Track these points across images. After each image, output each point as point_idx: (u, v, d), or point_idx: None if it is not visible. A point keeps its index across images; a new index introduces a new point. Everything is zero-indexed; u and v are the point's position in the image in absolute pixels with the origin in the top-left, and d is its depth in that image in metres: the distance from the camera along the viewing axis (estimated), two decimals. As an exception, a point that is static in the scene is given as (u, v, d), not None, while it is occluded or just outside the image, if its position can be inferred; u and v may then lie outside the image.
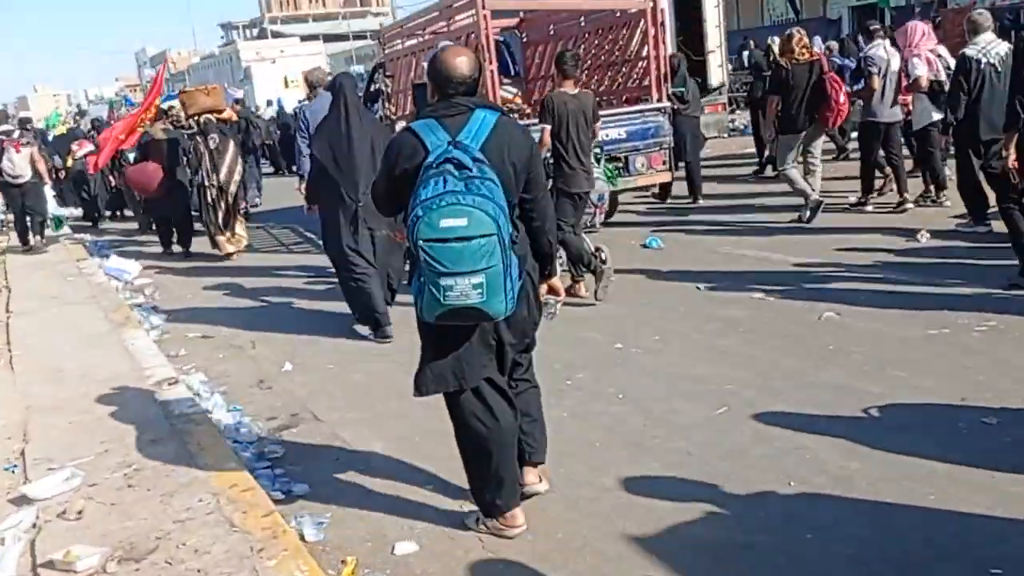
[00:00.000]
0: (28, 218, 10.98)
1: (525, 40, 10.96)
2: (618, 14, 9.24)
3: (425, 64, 6.36)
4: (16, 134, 10.97)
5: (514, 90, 9.95)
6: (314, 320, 6.59)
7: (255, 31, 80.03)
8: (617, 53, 9.42)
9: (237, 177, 9.64)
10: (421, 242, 2.66)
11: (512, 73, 10.56)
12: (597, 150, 7.17)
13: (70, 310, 7.31)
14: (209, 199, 9.47)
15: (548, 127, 6.01)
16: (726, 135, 14.47)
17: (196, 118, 9.53)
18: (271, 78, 32.42)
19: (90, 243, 11.92)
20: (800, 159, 8.32)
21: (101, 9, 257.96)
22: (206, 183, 9.43)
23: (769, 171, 10.55)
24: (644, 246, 7.97)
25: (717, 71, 12.86)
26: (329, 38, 48.93)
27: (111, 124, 13.57)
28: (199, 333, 6.53)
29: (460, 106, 2.89)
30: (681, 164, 9.67)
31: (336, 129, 5.68)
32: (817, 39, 12.22)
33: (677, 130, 9.12)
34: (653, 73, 8.77)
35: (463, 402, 3.01)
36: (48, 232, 11.46)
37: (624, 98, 9.33)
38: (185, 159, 9.91)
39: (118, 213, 14.77)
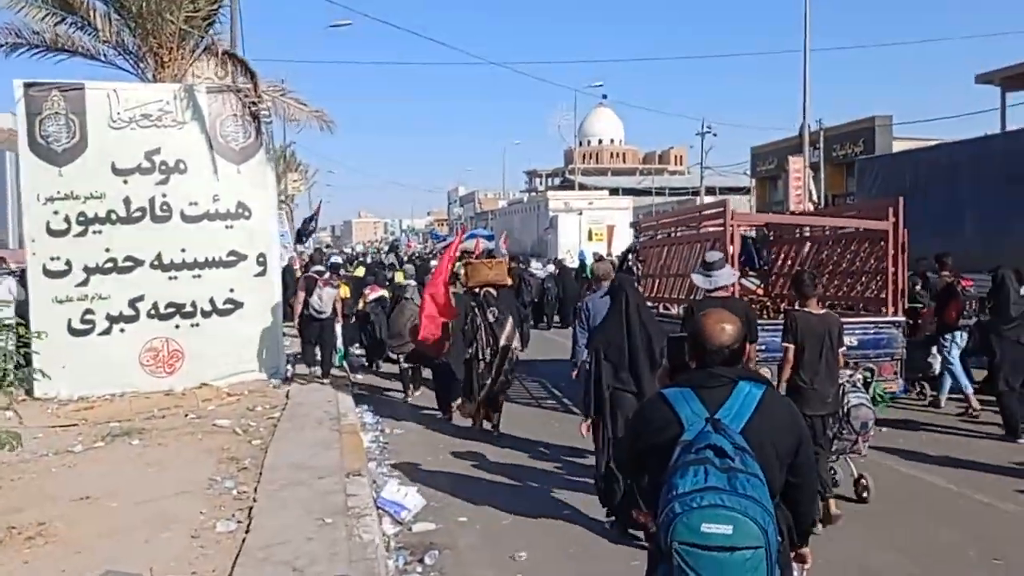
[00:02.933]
0: (319, 349, 12.12)
1: (772, 238, 11.99)
2: (856, 230, 10.10)
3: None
4: (327, 275, 12.59)
5: (757, 281, 11.03)
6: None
7: (557, 180, 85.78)
8: (857, 264, 10.19)
9: (511, 356, 9.31)
10: (677, 544, 2.41)
11: (757, 266, 11.60)
12: (868, 373, 7.38)
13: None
14: (479, 371, 9.24)
15: (792, 347, 6.04)
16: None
17: (477, 290, 9.64)
18: (575, 228, 32.78)
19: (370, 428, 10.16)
20: None
21: (422, 148, 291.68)
22: (479, 356, 9.26)
23: None
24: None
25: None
26: (628, 191, 51.07)
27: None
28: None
29: (721, 378, 2.70)
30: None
31: (618, 328, 6.01)
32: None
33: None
34: (890, 287, 9.35)
35: None
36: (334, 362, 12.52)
37: (862, 307, 10.00)
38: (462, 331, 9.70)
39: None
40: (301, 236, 28.88)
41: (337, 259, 16.24)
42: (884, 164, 15.69)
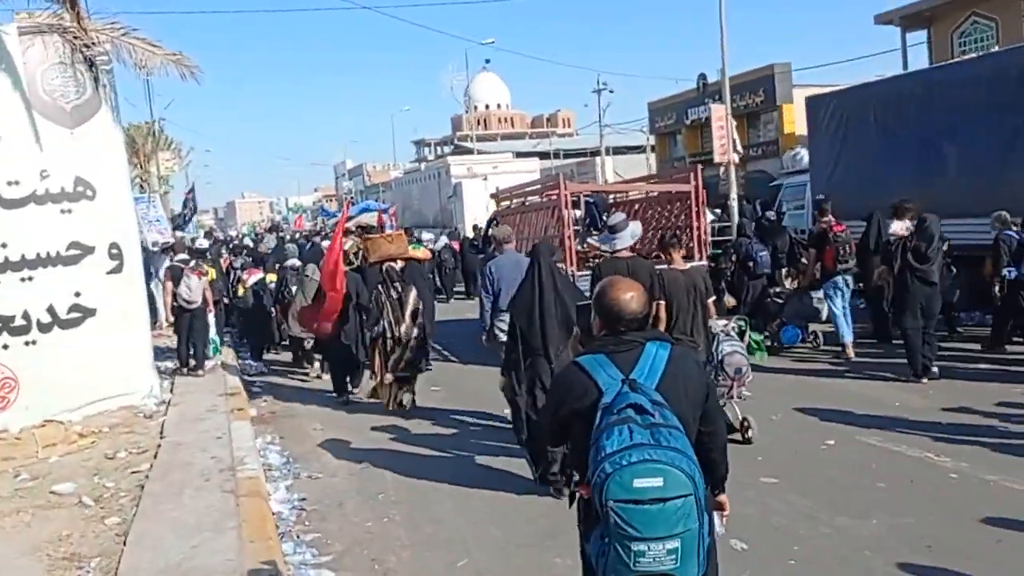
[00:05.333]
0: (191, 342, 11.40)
1: (611, 201, 13.86)
2: (671, 193, 12.40)
3: (498, 231, 8.60)
4: (192, 263, 11.67)
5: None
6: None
7: (447, 148, 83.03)
8: (672, 220, 12.27)
9: (416, 332, 9.03)
10: (612, 503, 2.45)
11: (599, 226, 12.40)
12: (743, 323, 7.61)
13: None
14: (387, 350, 8.96)
15: (663, 302, 6.33)
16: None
17: (380, 265, 9.34)
18: (481, 195, 30.29)
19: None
20: None
21: (306, 123, 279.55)
22: (387, 335, 8.95)
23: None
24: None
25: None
26: (523, 156, 48.88)
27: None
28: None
29: (631, 342, 2.77)
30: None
31: (531, 294, 6.08)
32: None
33: None
34: (695, 238, 11.52)
35: None
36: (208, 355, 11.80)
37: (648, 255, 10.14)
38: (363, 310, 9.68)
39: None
40: (178, 222, 26.32)
41: (203, 243, 15.58)
42: (841, 100, 13.86)
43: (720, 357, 6.73)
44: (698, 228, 11.31)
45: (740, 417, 6.90)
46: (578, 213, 13.11)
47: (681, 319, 6.38)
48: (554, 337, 5.95)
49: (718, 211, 24.47)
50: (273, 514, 5.89)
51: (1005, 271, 9.46)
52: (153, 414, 9.00)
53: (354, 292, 9.69)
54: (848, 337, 10.17)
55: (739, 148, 23.63)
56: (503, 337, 7.09)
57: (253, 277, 13.57)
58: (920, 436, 6.83)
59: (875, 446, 6.71)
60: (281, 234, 25.28)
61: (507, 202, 14.97)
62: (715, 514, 2.93)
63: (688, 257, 9.71)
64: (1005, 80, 11.04)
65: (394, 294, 9.03)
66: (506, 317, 7.09)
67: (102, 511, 5.93)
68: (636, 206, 12.98)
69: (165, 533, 5.32)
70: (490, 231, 13.43)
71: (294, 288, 11.87)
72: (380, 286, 9.20)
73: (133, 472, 6.84)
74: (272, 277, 13.67)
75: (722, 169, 27.85)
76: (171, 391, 10.10)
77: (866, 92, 13.71)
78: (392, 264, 9.33)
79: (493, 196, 16.80)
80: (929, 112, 12.14)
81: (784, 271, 12.16)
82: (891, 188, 12.14)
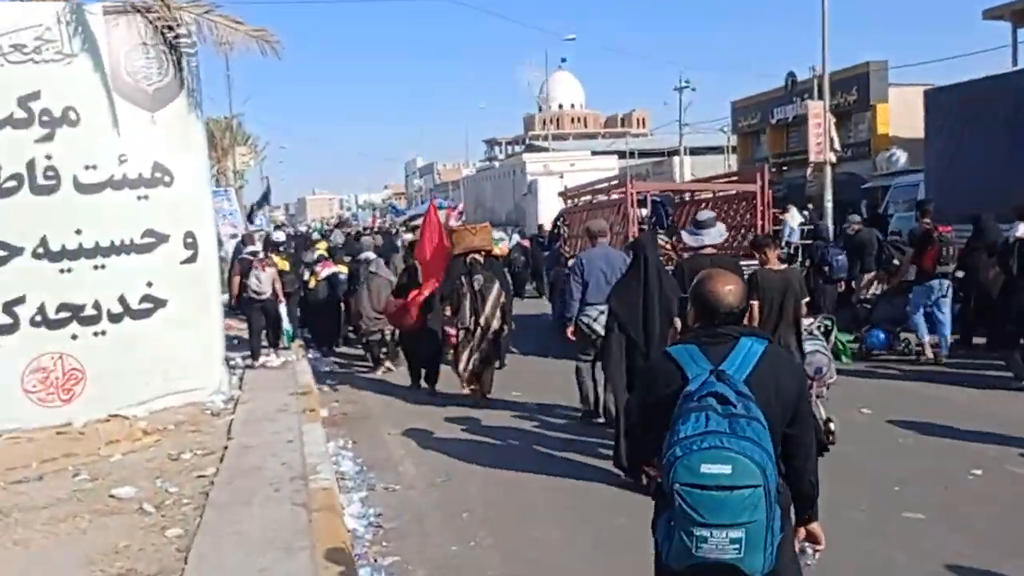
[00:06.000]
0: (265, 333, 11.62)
1: (676, 200, 14.08)
2: (737, 192, 12.38)
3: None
4: (261, 255, 12.00)
5: (666, 237, 11.85)
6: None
7: (519, 148, 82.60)
8: (738, 218, 12.01)
9: (496, 324, 9.01)
10: (678, 485, 2.43)
11: (666, 225, 13.16)
12: (828, 323, 7.81)
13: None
14: (465, 340, 8.97)
15: (756, 303, 6.15)
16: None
17: (463, 257, 9.26)
18: (556, 193, 30.12)
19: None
20: None
21: (378, 120, 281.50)
22: (466, 325, 8.96)
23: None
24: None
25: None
26: (598, 155, 48.16)
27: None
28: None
29: (725, 335, 2.72)
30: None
31: (636, 287, 6.05)
32: None
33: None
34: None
35: None
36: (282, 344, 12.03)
37: (740, 254, 10.24)
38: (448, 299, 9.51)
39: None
40: (251, 214, 26.70)
41: (279, 236, 15.77)
42: (964, 94, 12.72)
43: (803, 355, 6.61)
44: (762, 228, 11.23)
45: (824, 417, 6.71)
46: (644, 212, 13.19)
47: (773, 319, 6.29)
48: (656, 331, 5.90)
49: (806, 213, 23.38)
50: (351, 531, 5.31)
51: None
52: (221, 412, 8.55)
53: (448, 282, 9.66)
54: (926, 338, 9.89)
55: (836, 147, 22.39)
56: (597, 327, 7.17)
57: (327, 270, 13.35)
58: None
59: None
60: (348, 230, 25.17)
61: (574, 200, 15.13)
62: (808, 548, 2.88)
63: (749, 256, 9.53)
64: None
65: (476, 286, 8.94)
66: (591, 311, 7.36)
67: (163, 520, 5.43)
68: (703, 205, 12.69)
69: (230, 551, 4.78)
70: (558, 229, 14.41)
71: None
72: (463, 277, 9.07)
73: (198, 476, 6.35)
74: (342, 269, 13.46)
75: (809, 170, 26.66)
76: (240, 388, 9.70)
77: (993, 86, 12.58)
78: (476, 256, 9.22)
79: (561, 194, 17.00)
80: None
81: (870, 275, 11.94)
82: (1018, 190, 11.11)
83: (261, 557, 4.64)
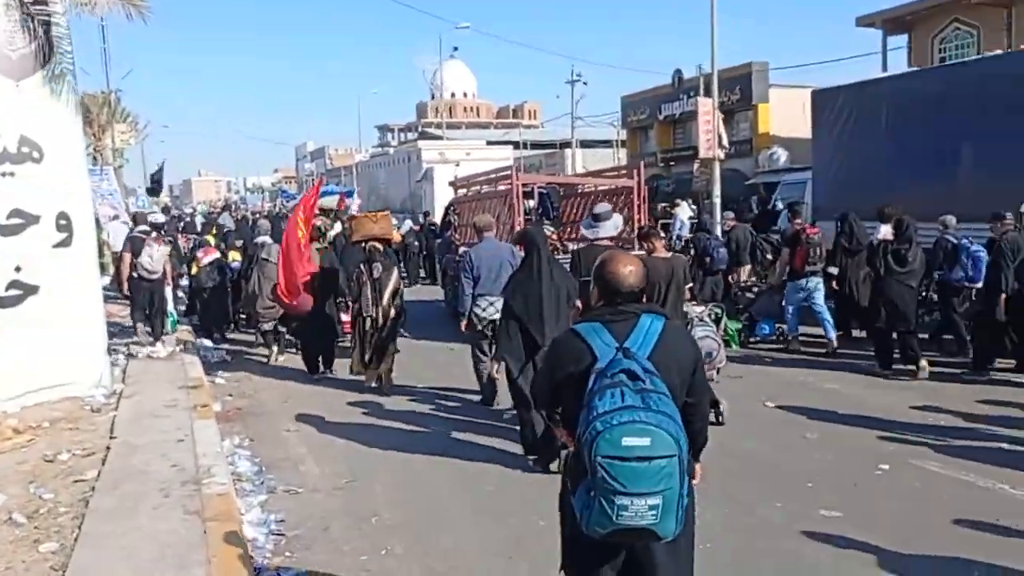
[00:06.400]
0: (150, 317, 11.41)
1: (562, 193, 14.52)
2: (616, 187, 12.92)
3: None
4: (153, 235, 11.71)
5: (552, 228, 12.45)
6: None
7: (412, 135, 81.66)
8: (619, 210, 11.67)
9: (394, 312, 9.11)
10: (600, 458, 2.58)
11: (551, 216, 13.77)
12: (718, 310, 8.46)
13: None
14: (365, 329, 8.99)
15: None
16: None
17: (362, 245, 9.39)
18: (447, 183, 30.19)
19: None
20: None
21: (266, 103, 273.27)
22: (364, 314, 8.98)
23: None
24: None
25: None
26: (493, 145, 48.00)
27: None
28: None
29: (627, 312, 2.88)
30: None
31: (530, 279, 6.19)
32: None
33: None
34: (636, 227, 11.22)
35: None
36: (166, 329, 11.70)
37: (624, 245, 10.59)
38: (346, 287, 9.74)
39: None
40: (154, 188, 27.85)
41: (159, 218, 16.09)
42: (851, 95, 13.14)
43: None
44: (639, 221, 11.91)
45: (714, 399, 7.18)
46: (531, 203, 13.78)
47: (659, 304, 6.53)
48: (551, 320, 6.04)
49: (695, 207, 23.94)
50: (250, 541, 4.93)
51: (936, 273, 9.85)
52: (102, 408, 7.91)
53: (331, 275, 9.88)
54: (796, 332, 10.62)
55: (724, 143, 22.92)
56: (489, 317, 7.56)
57: (209, 256, 12.87)
58: (977, 462, 6.10)
59: (938, 473, 5.94)
60: (236, 214, 24.31)
61: (465, 190, 15.62)
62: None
63: (632, 248, 9.90)
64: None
65: (375, 274, 8.97)
66: (482, 303, 7.66)
67: (36, 532, 4.89)
68: (593, 198, 13.05)
69: (114, 567, 4.32)
70: (450, 216, 14.99)
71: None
72: (362, 265, 9.11)
73: (77, 481, 5.78)
74: (235, 255, 13.09)
75: (696, 166, 27.27)
76: (123, 381, 9.01)
77: (879, 87, 13.03)
78: (375, 244, 9.26)
79: (451, 184, 17.47)
80: (945, 111, 11.51)
81: (745, 269, 12.96)
82: (901, 189, 11.54)
83: (150, 575, 4.22)
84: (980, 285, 9.19)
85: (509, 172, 12.74)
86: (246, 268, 11.89)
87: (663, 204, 25.62)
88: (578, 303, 5.55)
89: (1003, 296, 8.62)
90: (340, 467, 6.52)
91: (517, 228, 10.86)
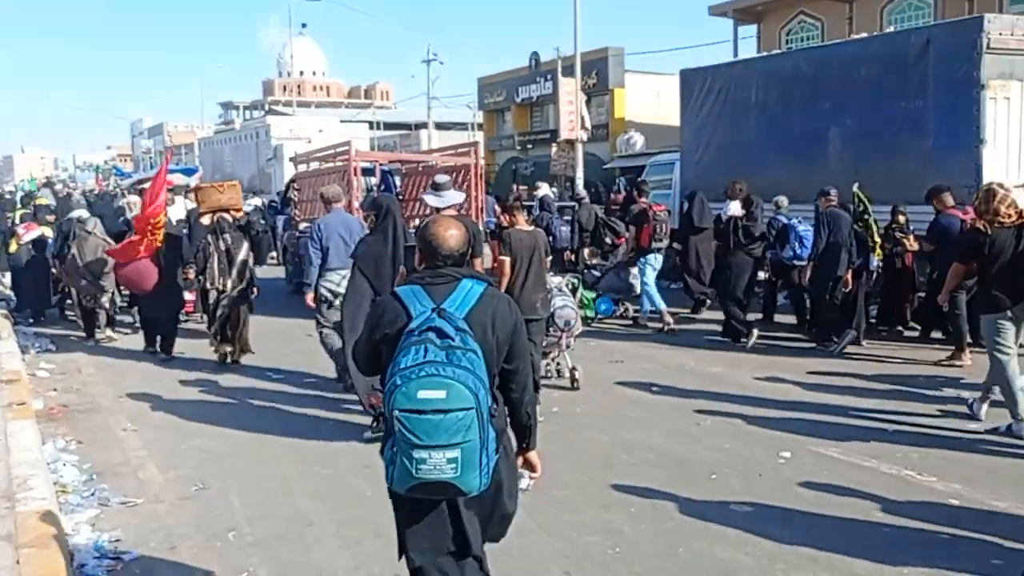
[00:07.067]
0: None
1: (404, 171, 14.65)
2: (456, 165, 13.03)
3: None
4: None
5: None
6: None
7: (258, 112, 78.38)
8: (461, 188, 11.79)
9: (244, 284, 8.93)
10: (397, 412, 2.58)
11: (394, 194, 13.05)
12: (575, 280, 8.97)
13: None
14: (211, 301, 8.89)
15: (507, 259, 6.66)
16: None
17: (211, 216, 9.07)
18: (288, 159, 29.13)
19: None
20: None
21: (101, 73, 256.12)
22: (211, 286, 8.83)
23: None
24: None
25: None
26: (346, 122, 46.60)
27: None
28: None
29: (447, 276, 2.89)
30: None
31: (383, 243, 6.22)
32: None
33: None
34: (475, 204, 12.34)
35: None
36: None
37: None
38: (192, 258, 9.31)
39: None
40: None
41: None
42: (719, 76, 13.11)
43: (552, 310, 7.34)
44: (476, 196, 12.40)
45: (571, 366, 7.82)
46: (373, 180, 14.00)
47: (523, 275, 6.69)
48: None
49: (555, 189, 23.87)
50: (77, 569, 4.04)
51: (768, 253, 10.21)
52: None
53: (175, 249, 9.44)
54: (663, 306, 10.62)
55: (587, 125, 22.87)
56: (339, 291, 7.04)
57: (30, 233, 11.85)
58: (868, 443, 6.01)
59: (839, 459, 5.70)
60: (57, 189, 22.29)
61: (303, 165, 15.64)
62: (524, 472, 3.13)
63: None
64: (894, 64, 10.63)
65: (223, 246, 8.79)
66: (333, 276, 7.32)
67: None
68: (427, 177, 12.98)
69: None
70: (291, 192, 14.78)
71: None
72: (209, 236, 8.89)
73: None
74: (49, 231, 11.98)
75: (554, 149, 27.19)
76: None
77: (748, 68, 13.07)
78: (224, 215, 9.02)
79: (293, 160, 17.20)
80: (813, 93, 11.63)
81: (588, 249, 13.16)
82: (770, 170, 11.60)
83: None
84: (806, 263, 9.56)
85: (347, 148, 12.68)
86: (61, 245, 10.80)
87: (523, 186, 25.46)
88: (403, 269, 5.70)
89: (810, 262, 9.22)
90: (187, 471, 5.67)
91: (353, 203, 11.06)
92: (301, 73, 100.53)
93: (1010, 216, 6.15)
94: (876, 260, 9.26)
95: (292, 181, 15.46)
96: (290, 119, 38.09)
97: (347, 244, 7.28)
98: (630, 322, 11.16)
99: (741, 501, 4.97)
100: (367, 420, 6.36)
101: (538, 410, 3.66)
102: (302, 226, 12.92)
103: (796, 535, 4.46)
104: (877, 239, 9.16)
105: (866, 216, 9.21)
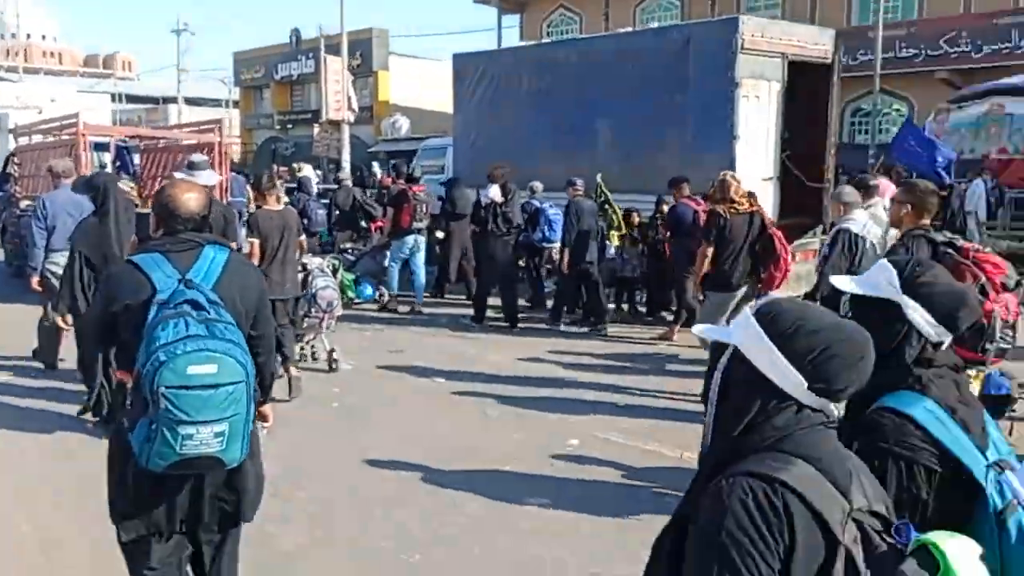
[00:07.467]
0: None
1: (143, 148, 13.40)
2: (199, 143, 12.13)
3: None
4: None
5: (132, 184, 11.29)
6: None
7: (-27, 77, 69.61)
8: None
9: None
10: (164, 388, 2.48)
11: (130, 171, 12.63)
12: (335, 261, 8.90)
13: None
14: None
15: (256, 240, 6.58)
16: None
17: None
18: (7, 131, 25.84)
19: None
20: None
21: None
22: None
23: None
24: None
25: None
26: (83, 92, 42.42)
27: None
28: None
29: (189, 241, 2.81)
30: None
31: (105, 223, 5.89)
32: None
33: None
34: (219, 185, 11.21)
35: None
36: None
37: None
38: None
39: None
40: None
41: None
42: (492, 62, 13.03)
43: (314, 291, 7.34)
44: (223, 176, 12.02)
45: (329, 348, 7.65)
46: (108, 157, 12.93)
47: (273, 254, 6.62)
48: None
49: (319, 172, 23.08)
50: None
51: (520, 235, 10.45)
52: None
53: None
54: (394, 289, 10.79)
55: (354, 106, 22.24)
56: (54, 280, 6.60)
57: None
58: (642, 421, 6.20)
59: (626, 445, 5.73)
60: None
61: (26, 138, 14.32)
62: (259, 425, 3.09)
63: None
64: (658, 59, 11.03)
65: None
66: (59, 258, 6.75)
67: None
68: (167, 154, 12.70)
69: None
70: (11, 167, 13.77)
71: None
72: None
73: None
74: None
75: (316, 130, 26.30)
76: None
77: (519, 55, 13.11)
78: None
79: (12, 131, 15.72)
80: (584, 82, 11.84)
81: (347, 232, 13.34)
82: (541, 158, 11.70)
83: None
84: (556, 245, 9.98)
85: (75, 120, 11.53)
86: None
87: (283, 167, 24.44)
88: (133, 238, 5.68)
89: (565, 249, 9.48)
90: None
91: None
92: (28, 36, 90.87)
93: (743, 204, 6.74)
94: (612, 247, 10.03)
95: (12, 155, 14.13)
96: (16, 86, 33.93)
97: (76, 222, 6.64)
98: (381, 306, 10.89)
99: (537, 493, 4.84)
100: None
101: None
102: (24, 204, 11.78)
103: (596, 527, 4.42)
104: (615, 228, 9.92)
105: (606, 206, 9.85)
